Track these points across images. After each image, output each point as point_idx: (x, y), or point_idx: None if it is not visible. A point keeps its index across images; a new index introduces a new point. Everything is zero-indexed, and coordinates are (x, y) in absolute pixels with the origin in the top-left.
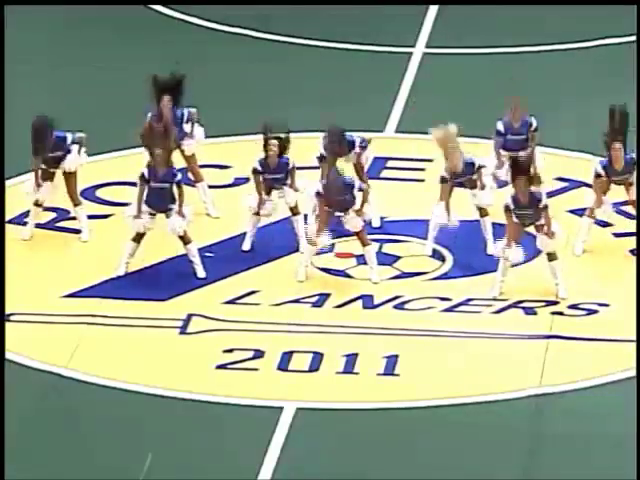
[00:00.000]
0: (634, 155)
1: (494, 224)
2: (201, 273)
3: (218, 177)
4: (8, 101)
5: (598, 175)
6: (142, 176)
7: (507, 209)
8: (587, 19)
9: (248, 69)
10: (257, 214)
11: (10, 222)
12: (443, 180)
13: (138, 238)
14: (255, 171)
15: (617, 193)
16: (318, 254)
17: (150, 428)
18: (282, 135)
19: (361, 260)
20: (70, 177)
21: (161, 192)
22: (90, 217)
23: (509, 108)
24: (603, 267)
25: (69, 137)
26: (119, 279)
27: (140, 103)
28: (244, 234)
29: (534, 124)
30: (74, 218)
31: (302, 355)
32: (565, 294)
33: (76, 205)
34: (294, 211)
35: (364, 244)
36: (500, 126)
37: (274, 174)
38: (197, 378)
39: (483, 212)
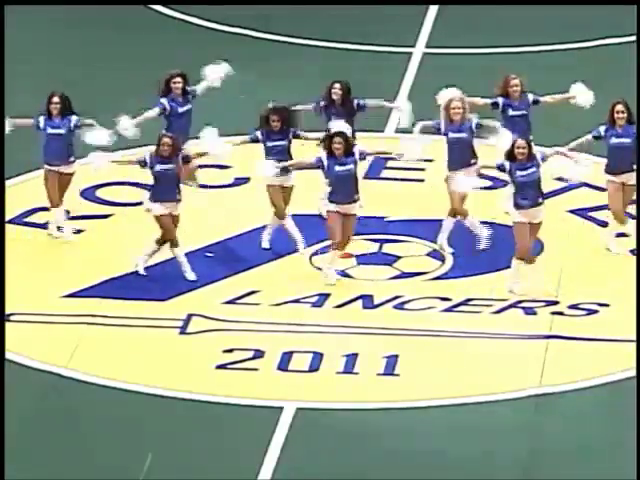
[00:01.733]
0: None
1: (493, 224)
2: (190, 276)
3: (218, 177)
4: (8, 101)
5: None
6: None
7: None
8: (587, 19)
9: (248, 69)
10: (282, 218)
11: (10, 222)
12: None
13: (162, 241)
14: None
15: None
16: (319, 254)
17: (150, 428)
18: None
19: (361, 260)
20: (68, 179)
21: (168, 176)
22: (90, 217)
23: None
24: (603, 267)
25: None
26: (119, 279)
27: (140, 103)
28: (244, 234)
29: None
30: (74, 218)
31: (302, 355)
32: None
33: (57, 206)
34: (279, 215)
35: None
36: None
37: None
38: (197, 378)
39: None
